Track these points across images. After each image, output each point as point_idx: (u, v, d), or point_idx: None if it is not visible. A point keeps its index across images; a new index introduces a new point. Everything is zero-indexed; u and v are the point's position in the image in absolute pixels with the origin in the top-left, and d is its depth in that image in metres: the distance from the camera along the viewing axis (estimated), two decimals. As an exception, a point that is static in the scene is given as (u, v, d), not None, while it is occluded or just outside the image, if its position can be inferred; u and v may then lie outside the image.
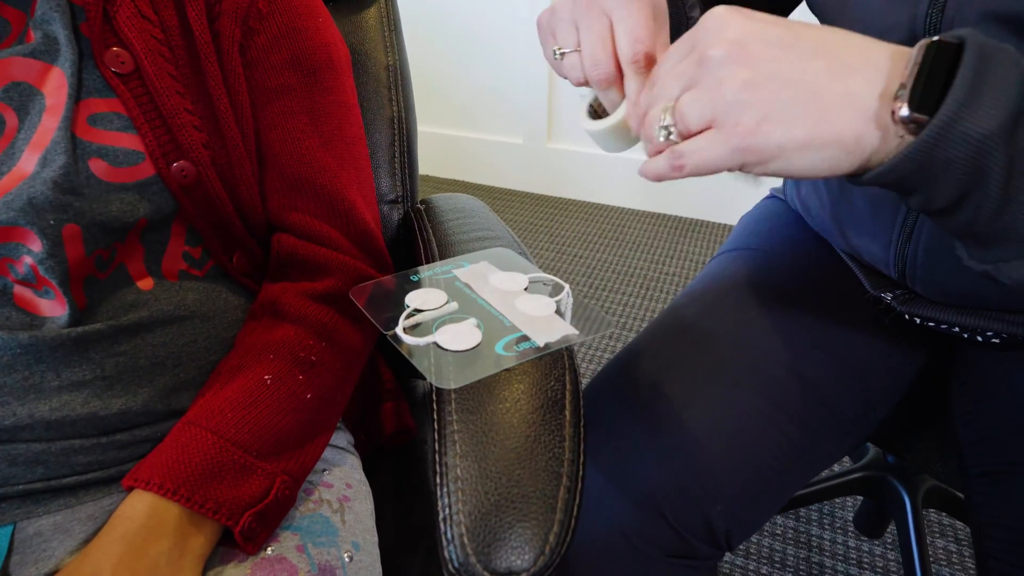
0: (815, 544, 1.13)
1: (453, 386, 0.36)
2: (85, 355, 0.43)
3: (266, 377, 0.46)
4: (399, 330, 0.40)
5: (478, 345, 0.39)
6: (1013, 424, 0.52)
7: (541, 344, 0.38)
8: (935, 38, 0.29)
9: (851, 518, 1.18)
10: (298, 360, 0.48)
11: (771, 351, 0.56)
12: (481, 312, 0.43)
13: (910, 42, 0.44)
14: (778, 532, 1.15)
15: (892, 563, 1.10)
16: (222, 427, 0.43)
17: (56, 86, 0.42)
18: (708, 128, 0.32)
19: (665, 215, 2.18)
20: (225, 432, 0.43)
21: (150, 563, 0.38)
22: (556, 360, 0.40)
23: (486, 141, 2.32)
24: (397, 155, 0.69)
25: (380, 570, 0.50)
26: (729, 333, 0.58)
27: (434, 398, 0.39)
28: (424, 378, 0.79)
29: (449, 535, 0.32)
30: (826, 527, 1.16)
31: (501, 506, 0.33)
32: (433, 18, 2.12)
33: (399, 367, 0.73)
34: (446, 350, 0.38)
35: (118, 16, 0.44)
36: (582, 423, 0.38)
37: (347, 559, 0.47)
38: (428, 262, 0.54)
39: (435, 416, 0.38)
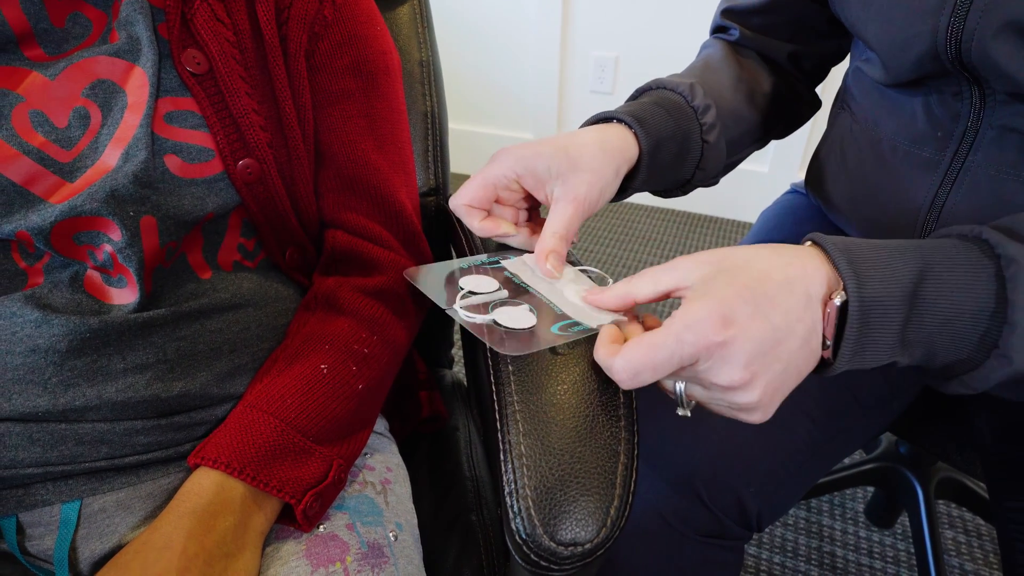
0: (827, 534, 1.15)
1: (511, 353, 0.37)
2: (149, 339, 0.44)
3: (323, 366, 0.47)
4: (457, 306, 0.42)
5: (533, 326, 0.41)
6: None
7: (593, 326, 0.40)
8: (841, 300, 0.37)
9: (862, 509, 1.20)
10: (352, 352, 0.49)
11: None
12: (532, 299, 0.45)
13: (932, 52, 0.46)
14: (790, 522, 1.17)
15: (902, 553, 1.12)
16: (283, 412, 0.45)
17: (138, 84, 0.44)
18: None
19: (675, 211, 2.20)
20: (286, 416, 0.44)
21: (218, 537, 0.40)
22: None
23: (497, 136, 2.33)
24: (431, 148, 0.71)
25: (421, 550, 0.52)
26: None
27: (492, 380, 0.41)
28: (450, 367, 0.81)
29: (516, 508, 0.34)
30: (837, 517, 1.18)
31: (565, 481, 0.35)
32: (446, 17, 2.13)
33: (429, 358, 0.75)
34: (503, 327, 0.40)
35: (195, 19, 0.45)
36: (634, 404, 0.39)
37: (392, 538, 0.49)
38: (472, 253, 0.56)
39: (495, 397, 0.39)
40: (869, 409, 0.59)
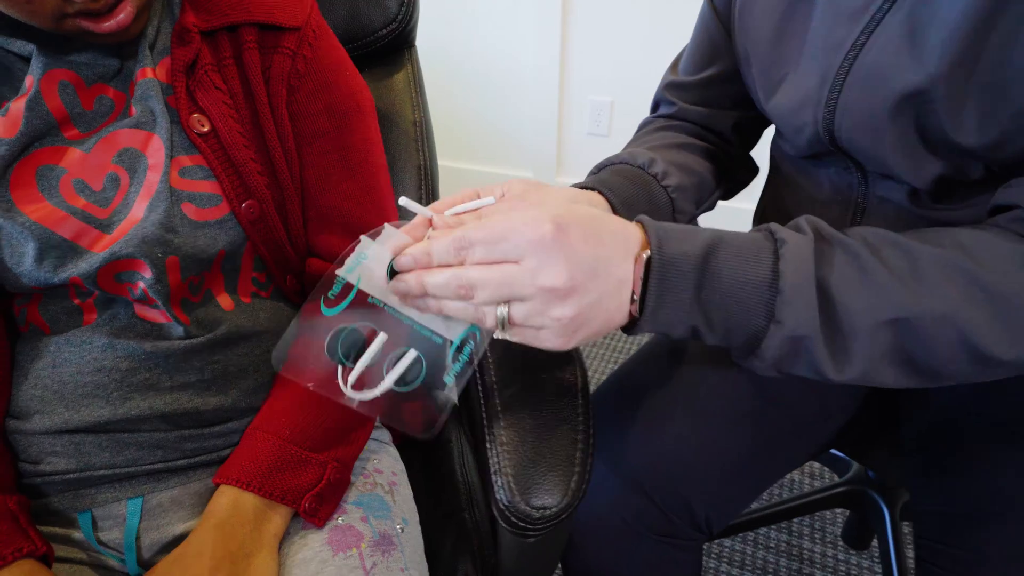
0: (806, 556, 1.20)
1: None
2: (190, 363, 0.54)
3: (308, 385, 0.53)
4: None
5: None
6: (944, 426, 0.62)
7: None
8: (648, 255, 0.42)
9: (840, 532, 1.25)
10: None
11: (740, 367, 0.66)
12: (402, 330, 0.44)
13: (816, 138, 0.54)
14: (771, 545, 1.22)
15: (878, 575, 1.18)
16: (281, 430, 0.54)
17: (155, 148, 0.53)
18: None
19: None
20: (282, 433, 0.54)
21: (238, 542, 0.49)
22: (570, 359, 0.52)
23: (500, 175, 2.38)
24: (424, 197, 0.82)
25: (422, 541, 0.60)
26: (705, 352, 0.67)
27: (480, 387, 0.50)
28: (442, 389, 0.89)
29: (499, 482, 0.43)
30: (816, 540, 1.24)
31: (536, 461, 0.44)
32: (454, 64, 2.20)
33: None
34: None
35: (198, 90, 0.54)
36: (591, 405, 0.49)
37: (400, 530, 0.57)
38: None
39: (482, 399, 0.49)
40: (804, 428, 0.66)
